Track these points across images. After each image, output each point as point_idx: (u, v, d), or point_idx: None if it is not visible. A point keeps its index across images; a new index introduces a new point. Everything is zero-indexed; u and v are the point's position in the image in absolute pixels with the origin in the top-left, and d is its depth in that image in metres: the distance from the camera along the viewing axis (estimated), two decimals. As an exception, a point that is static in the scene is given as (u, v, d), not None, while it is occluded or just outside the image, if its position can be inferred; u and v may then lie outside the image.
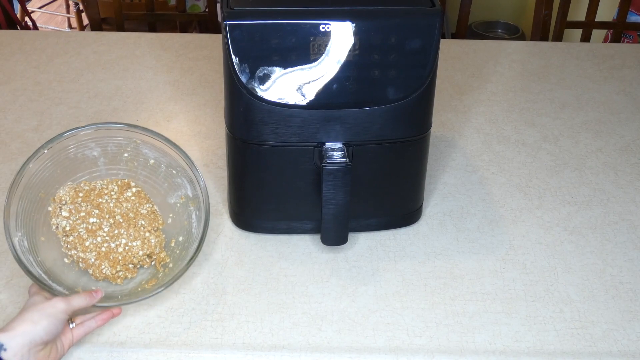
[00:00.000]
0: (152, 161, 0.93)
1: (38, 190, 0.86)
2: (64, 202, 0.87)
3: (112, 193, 0.90)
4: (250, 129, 0.86)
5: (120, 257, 0.85)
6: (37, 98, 1.28)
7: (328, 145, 0.87)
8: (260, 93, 0.83)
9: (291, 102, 0.84)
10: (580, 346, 0.81)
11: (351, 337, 0.81)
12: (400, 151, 0.91)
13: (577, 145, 1.18)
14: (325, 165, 0.83)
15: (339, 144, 0.87)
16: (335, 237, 0.89)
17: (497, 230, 0.98)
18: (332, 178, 0.84)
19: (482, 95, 1.34)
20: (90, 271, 0.85)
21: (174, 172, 0.92)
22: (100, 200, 0.89)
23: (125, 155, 0.92)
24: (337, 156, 0.85)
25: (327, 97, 0.84)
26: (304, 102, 0.84)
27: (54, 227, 0.87)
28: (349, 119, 0.86)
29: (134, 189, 0.92)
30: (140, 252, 0.87)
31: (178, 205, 0.92)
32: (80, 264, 0.85)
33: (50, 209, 0.87)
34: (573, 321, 0.84)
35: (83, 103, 1.26)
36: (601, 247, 0.96)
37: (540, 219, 1.01)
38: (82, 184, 0.90)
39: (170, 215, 0.93)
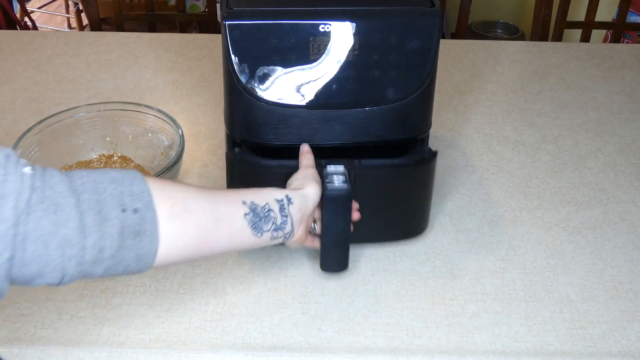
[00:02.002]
0: (130, 137, 1.05)
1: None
2: None
3: (102, 160, 1.03)
4: (250, 129, 0.86)
5: None
6: (37, 98, 1.28)
7: (329, 169, 0.82)
8: (259, 93, 0.83)
9: (291, 102, 0.84)
10: (580, 346, 0.81)
11: (351, 337, 0.81)
12: (404, 174, 0.88)
13: (577, 145, 1.18)
14: (326, 191, 0.79)
15: (340, 168, 0.82)
16: (334, 264, 0.85)
17: (497, 230, 0.98)
18: (332, 205, 0.79)
19: (482, 95, 1.34)
20: None
21: (150, 135, 1.03)
22: (91, 165, 1.02)
23: (108, 139, 1.05)
24: (337, 181, 0.80)
25: (327, 97, 0.84)
26: (303, 102, 0.84)
27: None
28: (348, 119, 0.86)
29: (119, 154, 1.05)
30: None
31: (161, 162, 1.01)
32: None
33: None
34: (573, 321, 0.84)
35: (83, 103, 1.26)
36: (601, 247, 0.96)
37: (540, 219, 1.01)
38: (74, 164, 1.02)
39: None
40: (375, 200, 0.88)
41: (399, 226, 0.93)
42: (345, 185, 0.79)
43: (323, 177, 0.80)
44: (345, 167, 0.82)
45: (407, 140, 0.90)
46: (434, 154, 0.89)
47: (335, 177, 0.81)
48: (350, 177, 0.82)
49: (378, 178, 0.87)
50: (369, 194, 0.87)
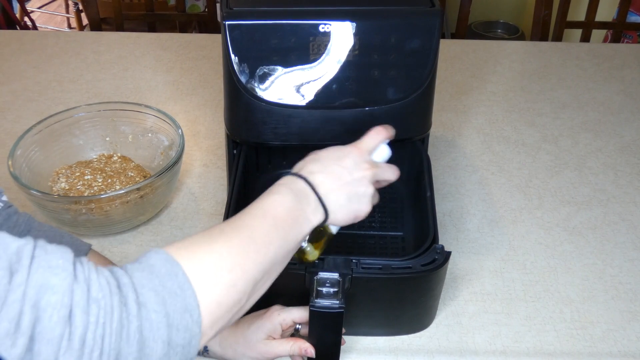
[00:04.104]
0: (130, 137, 1.05)
1: (38, 170, 0.97)
2: (61, 174, 0.98)
3: (102, 160, 1.03)
4: (250, 129, 0.86)
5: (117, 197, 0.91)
6: (37, 98, 1.28)
7: (321, 275, 0.69)
8: (259, 93, 0.83)
9: (291, 102, 0.84)
10: (580, 346, 0.81)
11: (352, 337, 0.81)
12: (411, 280, 0.74)
13: (577, 146, 1.18)
14: (312, 305, 0.67)
15: (335, 275, 0.69)
16: None
17: (497, 230, 0.98)
18: (318, 320, 0.69)
19: (482, 95, 1.33)
20: (90, 213, 0.90)
21: (150, 135, 1.04)
22: (91, 164, 1.01)
23: (108, 139, 1.05)
24: (328, 292, 0.67)
25: (327, 98, 0.84)
26: (303, 103, 0.84)
27: (55, 195, 0.93)
28: (348, 119, 0.86)
29: (119, 154, 1.05)
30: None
31: (161, 162, 1.02)
32: (83, 211, 0.90)
33: (50, 183, 0.97)
34: (573, 321, 0.84)
35: (83, 103, 1.26)
36: (601, 248, 0.96)
37: (540, 219, 1.01)
38: (74, 164, 1.02)
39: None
40: (375, 301, 0.77)
41: (400, 325, 0.81)
42: (336, 302, 0.66)
43: (313, 285, 0.68)
44: (340, 274, 0.68)
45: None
46: (446, 256, 0.74)
47: (325, 290, 0.67)
48: (344, 285, 0.67)
49: (379, 281, 0.73)
50: (368, 295, 0.75)
